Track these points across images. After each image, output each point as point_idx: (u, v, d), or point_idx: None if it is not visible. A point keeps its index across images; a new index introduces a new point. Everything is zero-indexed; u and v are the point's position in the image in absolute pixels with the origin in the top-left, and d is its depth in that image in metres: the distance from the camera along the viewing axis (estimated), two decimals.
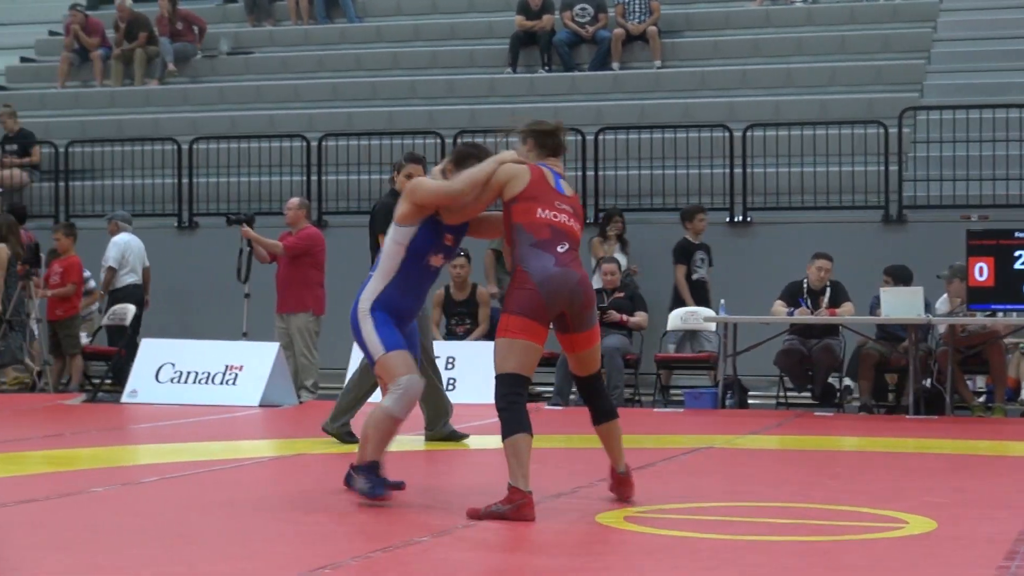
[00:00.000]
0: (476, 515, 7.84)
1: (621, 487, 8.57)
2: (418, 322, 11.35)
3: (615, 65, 22.51)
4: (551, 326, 8.22)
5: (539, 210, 8.16)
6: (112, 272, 18.31)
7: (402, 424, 8.56)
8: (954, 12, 22.57)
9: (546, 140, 8.51)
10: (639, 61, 22.65)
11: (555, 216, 8.17)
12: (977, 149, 18.48)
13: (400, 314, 8.63)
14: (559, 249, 8.12)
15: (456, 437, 12.23)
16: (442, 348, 16.40)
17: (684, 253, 17.23)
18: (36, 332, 18.20)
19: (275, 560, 6.82)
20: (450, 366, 16.05)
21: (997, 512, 8.38)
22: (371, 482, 8.46)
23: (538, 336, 8.09)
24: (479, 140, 19.89)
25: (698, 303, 16.92)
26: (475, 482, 9.49)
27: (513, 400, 8.05)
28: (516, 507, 7.78)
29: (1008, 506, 8.59)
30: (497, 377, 8.16)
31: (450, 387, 15.92)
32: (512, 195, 8.22)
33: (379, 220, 11.89)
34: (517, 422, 8.00)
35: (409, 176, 11.72)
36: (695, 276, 17.17)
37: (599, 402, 8.51)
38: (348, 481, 8.75)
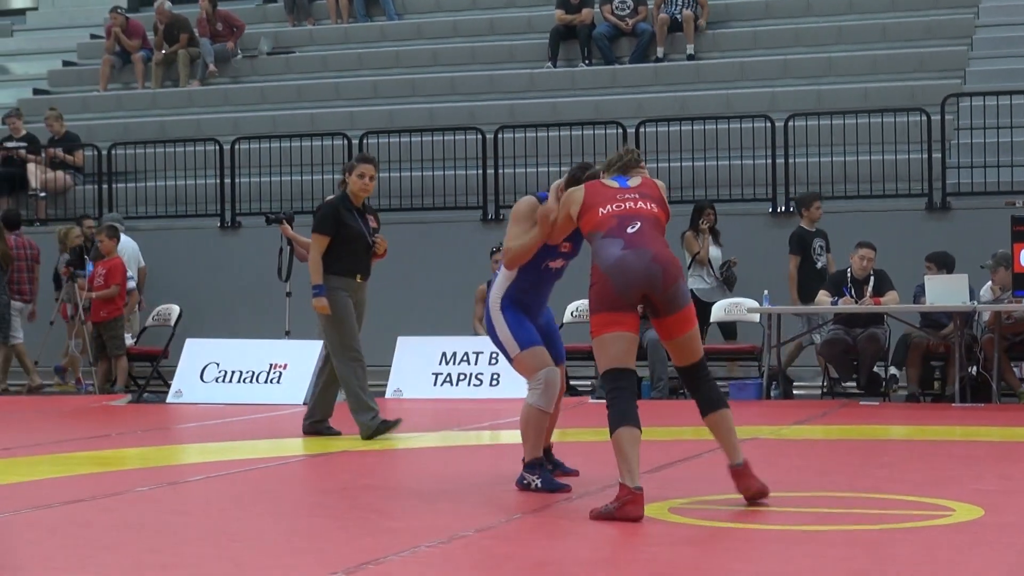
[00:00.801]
0: (593, 515, 7.65)
1: (741, 481, 8.06)
2: (348, 310, 11.51)
3: (660, 51, 22.45)
4: (646, 314, 8.00)
5: (600, 209, 8.04)
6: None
7: (551, 415, 8.72)
8: None
9: (609, 168, 8.39)
10: (680, 53, 22.60)
11: (619, 206, 8.03)
12: (1021, 135, 18.39)
13: (529, 309, 8.74)
14: (629, 231, 7.90)
15: (329, 433, 12.23)
16: (486, 343, 16.38)
17: (801, 242, 16.73)
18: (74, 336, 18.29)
19: (321, 557, 6.82)
20: (494, 361, 16.06)
21: None
22: (542, 477, 8.61)
23: (622, 324, 7.77)
24: (520, 136, 19.97)
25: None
26: (509, 473, 9.47)
27: (614, 395, 7.79)
28: (621, 504, 7.55)
29: None
30: (599, 378, 8.11)
31: (494, 382, 15.97)
32: (576, 214, 8.17)
33: (319, 220, 11.94)
34: (618, 417, 7.73)
35: (361, 176, 11.77)
36: (818, 264, 16.72)
37: (704, 392, 8.09)
38: (520, 481, 8.73)
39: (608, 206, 8.04)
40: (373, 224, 12.13)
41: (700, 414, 8.15)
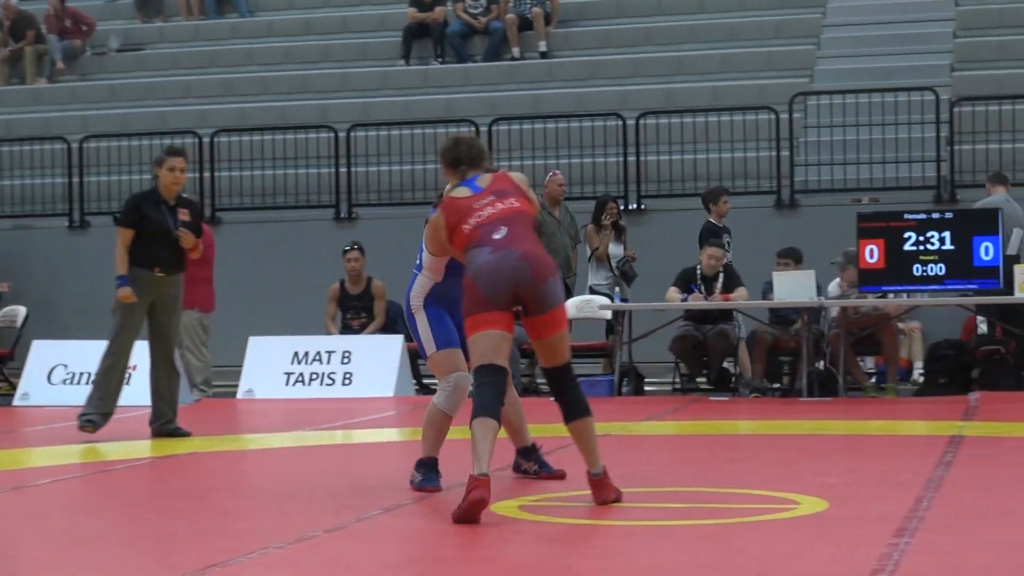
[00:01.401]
0: (454, 517, 7.59)
1: (598, 491, 7.98)
2: (162, 310, 11.51)
3: (515, 51, 22.51)
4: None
5: (463, 227, 8.02)
6: None
7: (452, 420, 8.71)
8: None
9: (448, 157, 8.41)
10: (533, 51, 22.68)
11: (478, 216, 8.00)
12: (867, 133, 18.70)
13: (451, 302, 8.59)
14: (495, 236, 7.89)
15: (179, 434, 12.19)
16: (338, 342, 16.36)
17: (712, 236, 16.42)
18: None
19: (168, 560, 6.76)
20: (346, 360, 16.00)
21: (888, 491, 8.46)
22: (423, 474, 8.60)
23: (493, 323, 7.81)
24: (373, 134, 19.92)
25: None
26: (370, 474, 9.44)
27: (478, 389, 7.86)
28: (467, 491, 7.53)
29: (899, 484, 8.67)
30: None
31: (347, 381, 15.91)
32: (447, 239, 8.17)
33: (122, 213, 12.24)
34: (477, 408, 7.75)
35: (171, 169, 11.78)
36: (726, 259, 16.34)
37: (569, 397, 8.03)
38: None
39: (469, 220, 8.01)
40: (184, 217, 11.99)
41: (564, 419, 8.09)
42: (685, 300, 15.60)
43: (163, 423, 12.26)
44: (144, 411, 12.73)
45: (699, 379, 16.24)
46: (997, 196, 16.15)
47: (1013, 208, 15.96)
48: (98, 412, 12.18)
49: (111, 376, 12.19)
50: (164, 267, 12.01)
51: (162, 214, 11.96)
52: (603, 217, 16.94)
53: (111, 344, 12.19)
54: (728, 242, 16.65)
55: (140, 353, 16.10)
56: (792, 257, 15.88)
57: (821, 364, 15.32)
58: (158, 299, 12.04)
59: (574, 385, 8.09)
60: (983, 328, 16.06)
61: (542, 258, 7.91)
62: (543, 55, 22.42)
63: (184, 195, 12.38)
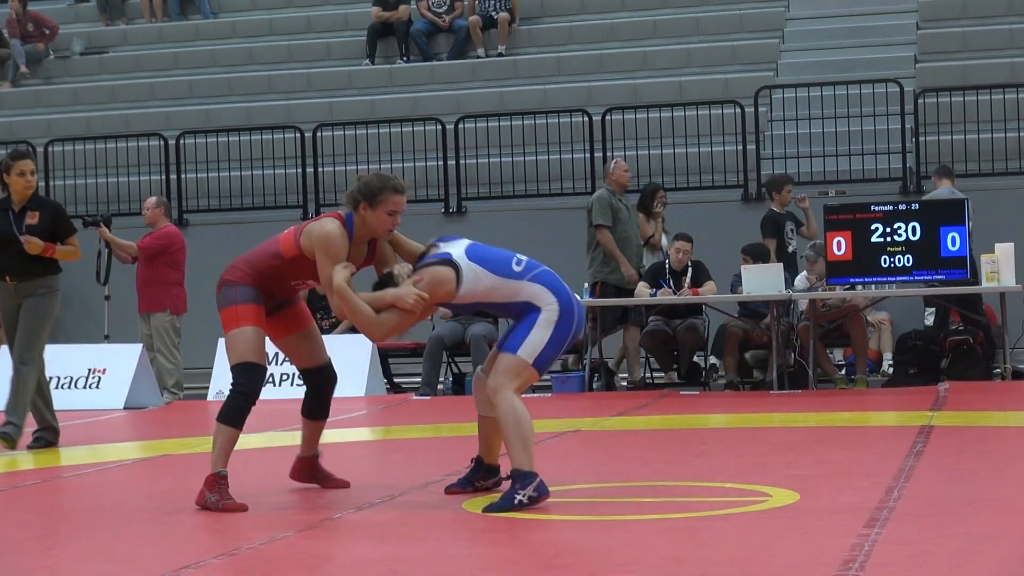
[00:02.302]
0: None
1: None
2: (24, 316, 11.27)
3: (480, 51, 22.51)
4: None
5: None
6: None
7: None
8: None
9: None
10: (496, 49, 22.68)
11: None
12: (832, 125, 18.74)
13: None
14: None
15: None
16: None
17: (775, 225, 16.33)
18: None
19: (140, 562, 6.75)
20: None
21: (858, 482, 8.50)
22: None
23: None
24: (339, 134, 19.90)
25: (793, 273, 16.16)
26: (341, 473, 9.43)
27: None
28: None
29: (869, 475, 8.71)
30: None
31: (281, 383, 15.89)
32: None
33: None
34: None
35: (21, 174, 11.50)
36: (790, 247, 16.43)
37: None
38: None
39: None
40: (32, 220, 11.52)
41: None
42: (654, 295, 15.62)
43: (41, 430, 11.88)
44: (114, 415, 12.70)
45: (669, 373, 16.25)
46: (943, 189, 16.25)
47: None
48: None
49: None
50: (14, 275, 11.54)
51: (7, 222, 11.53)
52: (654, 204, 16.63)
53: None
54: (792, 230, 16.50)
55: (108, 357, 16.13)
56: (752, 254, 15.78)
57: (791, 357, 15.35)
58: (22, 307, 11.70)
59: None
60: (930, 321, 16.14)
61: (224, 271, 8.37)
62: (500, 56, 22.39)
63: (41, 197, 12.02)
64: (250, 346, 8.16)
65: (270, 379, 16.02)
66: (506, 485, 7.91)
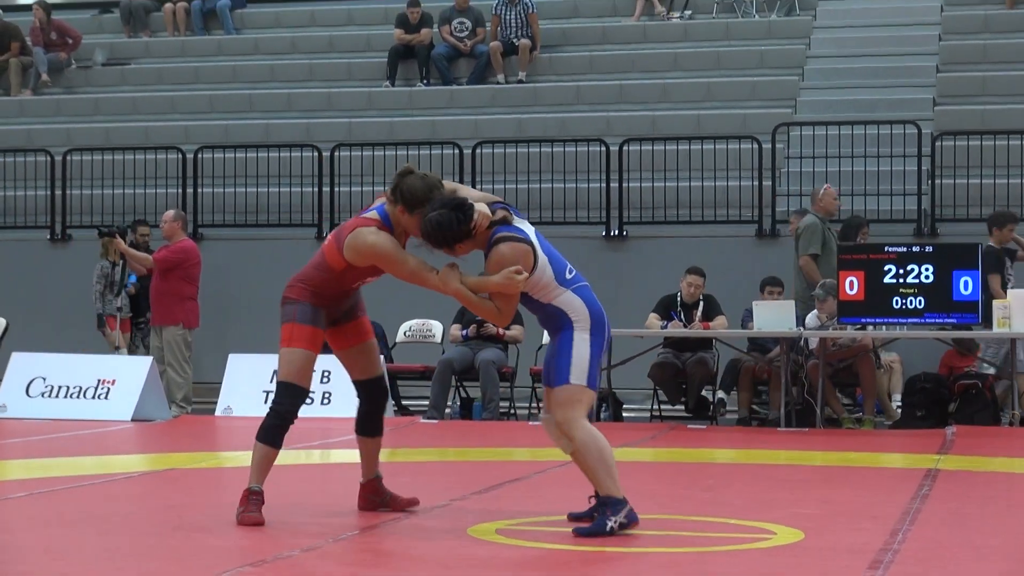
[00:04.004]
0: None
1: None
2: None
3: (500, 77, 22.57)
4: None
5: None
6: None
7: None
8: (827, 30, 22.89)
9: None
10: (517, 75, 22.72)
11: None
12: (849, 165, 18.75)
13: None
14: None
15: None
16: (317, 362, 16.27)
17: (996, 260, 15.81)
18: None
19: None
20: (325, 379, 15.97)
21: (863, 523, 8.50)
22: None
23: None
24: (357, 154, 19.93)
25: None
26: (347, 494, 9.45)
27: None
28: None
29: (874, 517, 8.71)
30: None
31: (326, 401, 15.90)
32: None
33: None
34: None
35: None
36: (1010, 283, 15.89)
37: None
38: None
39: None
40: None
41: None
42: (665, 327, 15.64)
43: None
44: (122, 427, 12.72)
45: (677, 406, 16.26)
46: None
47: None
48: None
49: None
50: None
51: None
52: (857, 239, 16.32)
53: None
54: (1010, 265, 16.09)
55: (118, 368, 16.16)
56: (779, 286, 15.99)
57: (799, 395, 15.35)
58: None
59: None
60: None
61: (284, 288, 8.39)
62: (520, 82, 22.44)
63: None
64: (295, 368, 8.25)
65: (263, 398, 16.07)
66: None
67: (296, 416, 8.32)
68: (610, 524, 7.77)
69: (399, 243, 8.12)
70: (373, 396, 8.65)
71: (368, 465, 8.72)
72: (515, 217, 8.00)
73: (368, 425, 8.68)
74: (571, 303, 7.93)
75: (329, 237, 8.33)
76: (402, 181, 8.06)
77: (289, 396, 8.28)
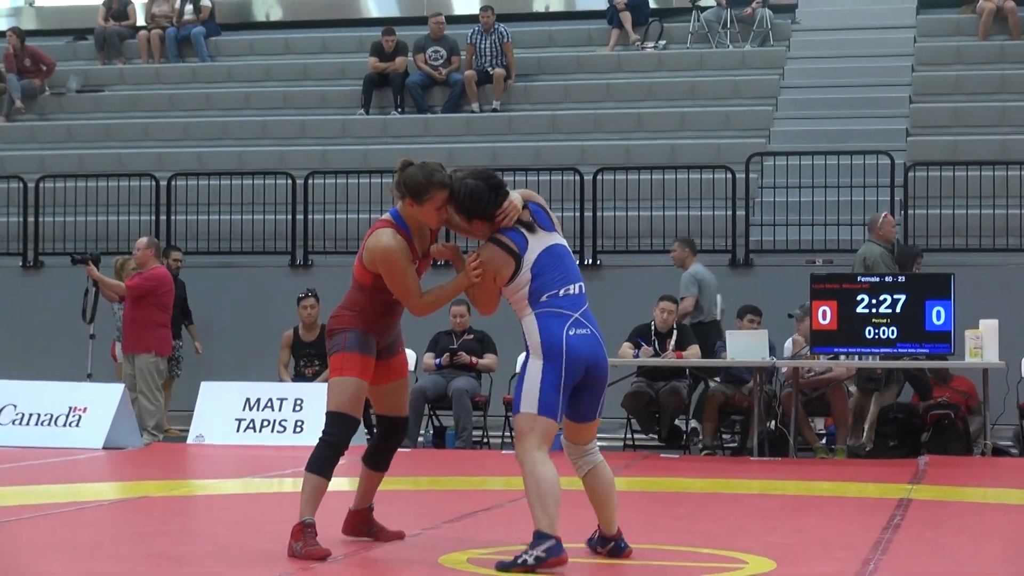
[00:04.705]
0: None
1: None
2: None
3: (475, 106, 22.59)
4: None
5: None
6: None
7: None
8: (801, 60, 22.98)
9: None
10: (491, 104, 22.75)
11: None
12: (822, 195, 18.80)
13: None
14: None
15: None
16: (290, 390, 16.32)
17: None
18: None
19: None
20: (298, 407, 15.94)
21: (835, 552, 8.50)
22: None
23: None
24: (331, 182, 19.93)
25: None
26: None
27: None
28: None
29: (846, 546, 8.70)
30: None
31: (298, 429, 15.86)
32: None
33: None
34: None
35: None
36: None
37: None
38: None
39: None
40: None
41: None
42: (636, 355, 15.65)
43: None
44: (93, 455, 12.65)
45: (650, 435, 16.23)
46: (695, 266, 16.61)
47: (708, 275, 16.66)
48: None
49: None
50: None
51: None
52: (913, 268, 16.26)
53: None
54: None
55: (90, 396, 16.09)
56: (758, 315, 16.01)
57: (772, 424, 15.36)
58: None
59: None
60: None
61: (329, 319, 8.31)
62: (494, 111, 22.47)
63: None
64: (347, 397, 8.11)
65: (250, 425, 16.03)
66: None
67: (347, 446, 8.16)
68: (524, 557, 7.58)
69: (409, 258, 8.07)
70: (393, 434, 8.53)
71: (364, 495, 8.61)
72: (539, 227, 7.95)
73: (379, 460, 8.55)
74: (529, 327, 7.86)
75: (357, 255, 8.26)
76: (402, 174, 8.09)
77: (340, 426, 8.11)
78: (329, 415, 8.16)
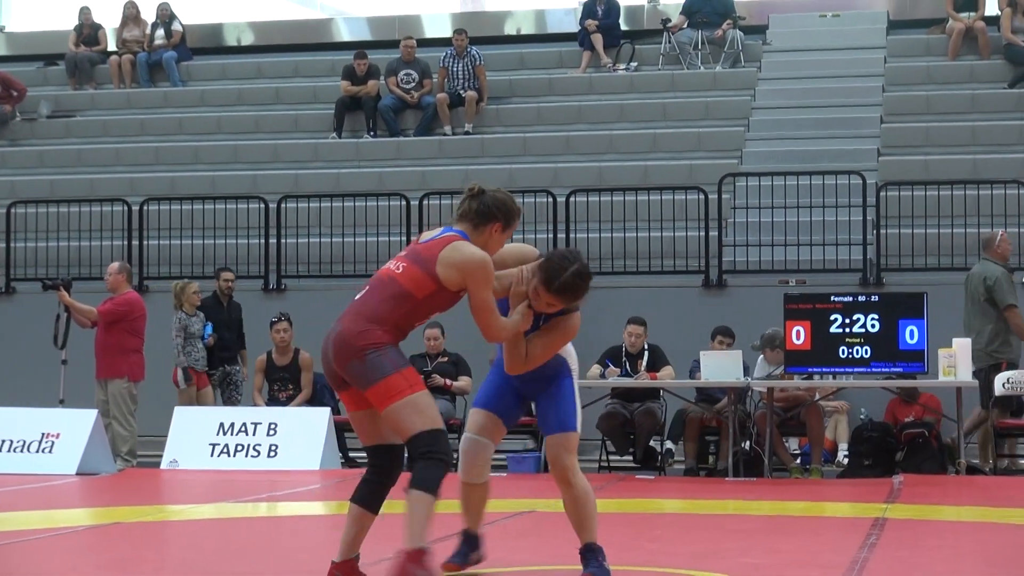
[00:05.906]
0: None
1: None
2: None
3: (447, 129, 22.61)
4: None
5: None
6: None
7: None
8: (772, 81, 23.03)
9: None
10: (463, 127, 22.76)
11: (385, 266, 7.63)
12: (795, 215, 18.83)
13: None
14: (355, 298, 7.55)
15: None
16: (264, 414, 16.28)
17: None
18: None
19: None
20: (272, 432, 15.91)
21: (811, 572, 8.50)
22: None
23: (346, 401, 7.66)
24: (304, 206, 19.92)
25: None
26: (294, 547, 9.39)
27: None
28: None
29: (822, 566, 8.71)
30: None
31: (272, 453, 15.83)
32: None
33: None
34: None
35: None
36: None
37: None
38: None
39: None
40: None
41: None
42: (603, 375, 15.68)
43: None
44: (66, 480, 12.60)
45: (625, 457, 16.24)
46: None
47: None
48: None
49: None
50: None
51: None
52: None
53: None
54: None
55: (62, 422, 16.04)
56: (731, 336, 16.06)
57: (747, 444, 15.37)
58: None
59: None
60: None
61: (343, 338, 7.38)
62: (467, 134, 22.50)
63: None
64: (435, 411, 7.49)
65: (224, 450, 15.98)
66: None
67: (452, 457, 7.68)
68: (606, 565, 7.99)
69: None
70: (390, 466, 7.74)
71: (353, 543, 7.68)
72: None
73: (374, 499, 7.68)
74: (570, 349, 8.09)
75: (398, 265, 7.49)
76: (486, 197, 7.56)
77: (443, 442, 7.45)
78: (429, 435, 7.38)
